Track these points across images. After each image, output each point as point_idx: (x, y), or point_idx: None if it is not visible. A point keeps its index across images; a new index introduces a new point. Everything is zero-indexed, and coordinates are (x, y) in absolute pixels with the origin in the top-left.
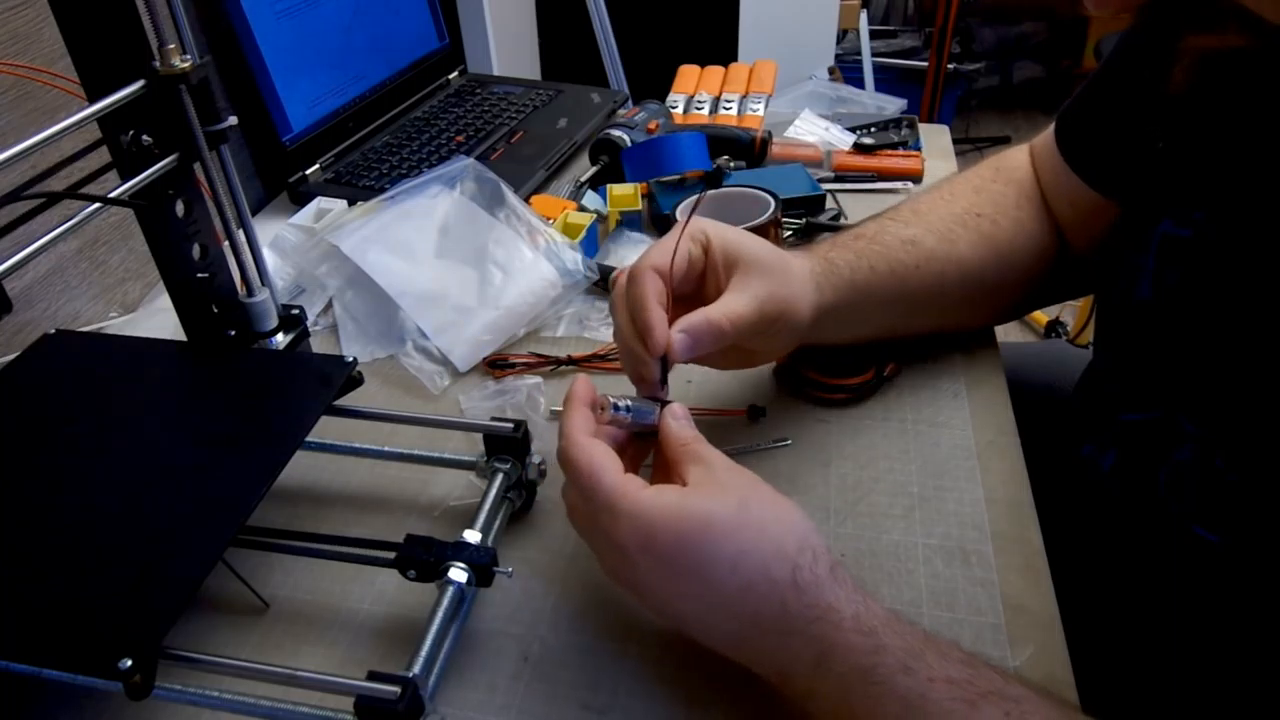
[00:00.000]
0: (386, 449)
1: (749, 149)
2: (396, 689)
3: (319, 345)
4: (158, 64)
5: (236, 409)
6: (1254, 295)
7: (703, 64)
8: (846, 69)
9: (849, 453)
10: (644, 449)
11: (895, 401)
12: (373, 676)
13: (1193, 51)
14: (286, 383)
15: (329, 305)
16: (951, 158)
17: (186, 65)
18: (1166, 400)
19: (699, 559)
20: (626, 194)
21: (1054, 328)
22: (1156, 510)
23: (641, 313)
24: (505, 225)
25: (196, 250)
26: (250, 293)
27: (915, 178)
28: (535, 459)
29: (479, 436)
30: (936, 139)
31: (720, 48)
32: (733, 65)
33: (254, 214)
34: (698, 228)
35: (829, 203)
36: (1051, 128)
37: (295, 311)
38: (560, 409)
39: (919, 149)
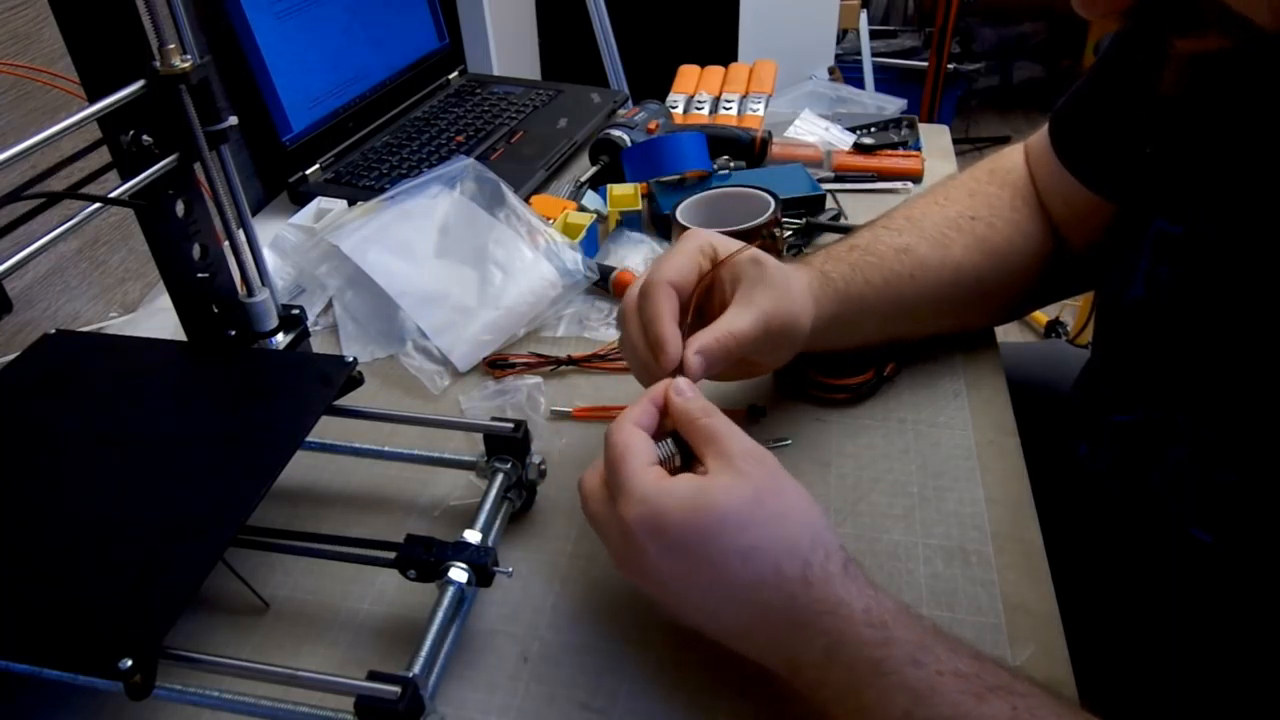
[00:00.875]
0: (386, 449)
1: (749, 149)
2: (396, 689)
3: (319, 345)
4: (158, 64)
5: (236, 409)
6: (1247, 292)
7: (703, 64)
8: (846, 69)
9: (849, 453)
10: None
11: (895, 401)
12: (373, 676)
13: (1183, 57)
14: (286, 383)
15: (329, 305)
16: (951, 158)
17: (186, 65)
18: (1162, 399)
19: (711, 551)
20: (626, 194)
21: (1054, 328)
22: (1154, 510)
23: (655, 328)
24: (505, 225)
25: (196, 250)
26: (250, 293)
27: (915, 178)
28: (535, 459)
29: (479, 436)
30: (936, 139)
31: (720, 48)
32: (733, 65)
33: (254, 214)
34: (705, 241)
35: (829, 203)
36: (1046, 127)
37: (295, 311)
38: (560, 409)
39: (919, 149)
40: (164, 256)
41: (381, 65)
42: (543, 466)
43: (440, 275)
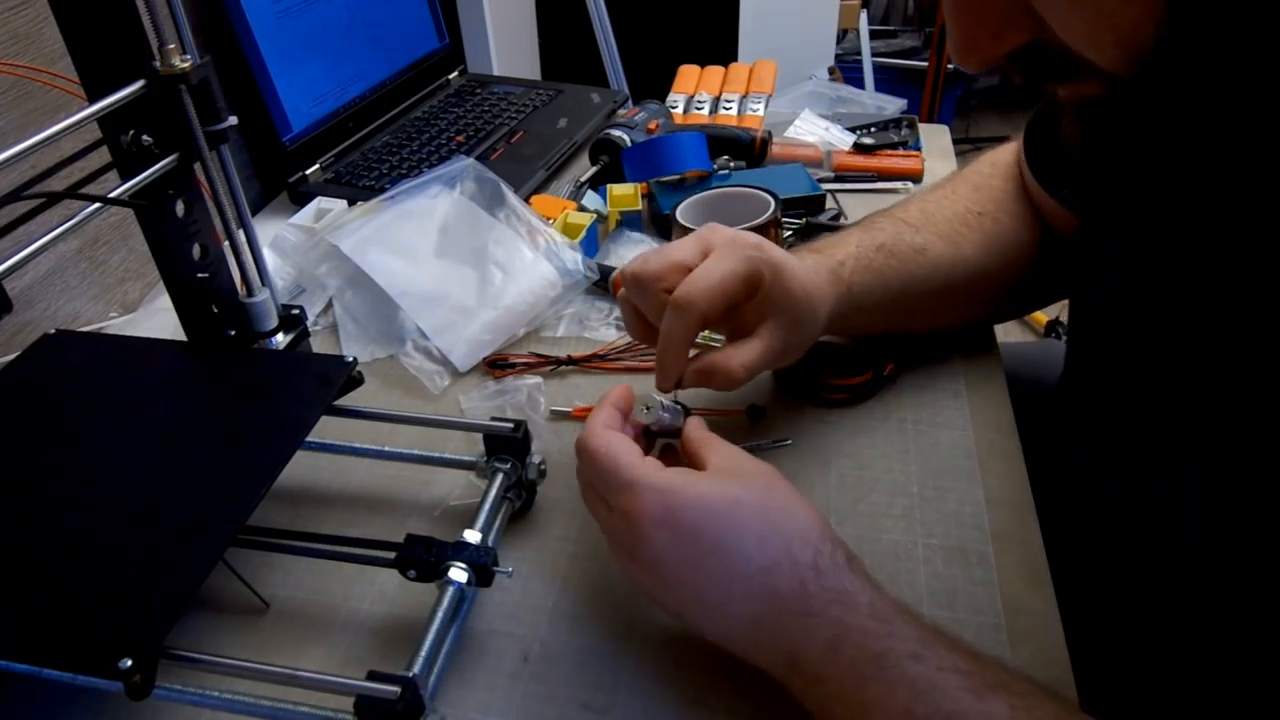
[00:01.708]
0: (386, 449)
1: (749, 149)
2: (396, 689)
3: (319, 345)
4: (158, 64)
5: (236, 409)
6: (1189, 302)
7: (703, 64)
8: (846, 69)
9: (849, 453)
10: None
11: (895, 401)
12: (373, 676)
13: (1071, 106)
14: (286, 383)
15: (329, 305)
16: (951, 158)
17: (186, 65)
18: (1145, 400)
19: (726, 536)
20: (626, 194)
21: (1054, 328)
22: (1152, 511)
23: (670, 354)
24: (505, 225)
25: (196, 250)
26: (250, 293)
27: (915, 178)
28: (535, 459)
29: (479, 436)
30: (936, 139)
31: (720, 48)
32: (733, 65)
33: (254, 214)
34: (757, 270)
35: (829, 203)
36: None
37: (295, 311)
38: (560, 409)
39: (919, 149)
40: (164, 256)
41: (381, 65)
42: (543, 466)
43: (440, 275)
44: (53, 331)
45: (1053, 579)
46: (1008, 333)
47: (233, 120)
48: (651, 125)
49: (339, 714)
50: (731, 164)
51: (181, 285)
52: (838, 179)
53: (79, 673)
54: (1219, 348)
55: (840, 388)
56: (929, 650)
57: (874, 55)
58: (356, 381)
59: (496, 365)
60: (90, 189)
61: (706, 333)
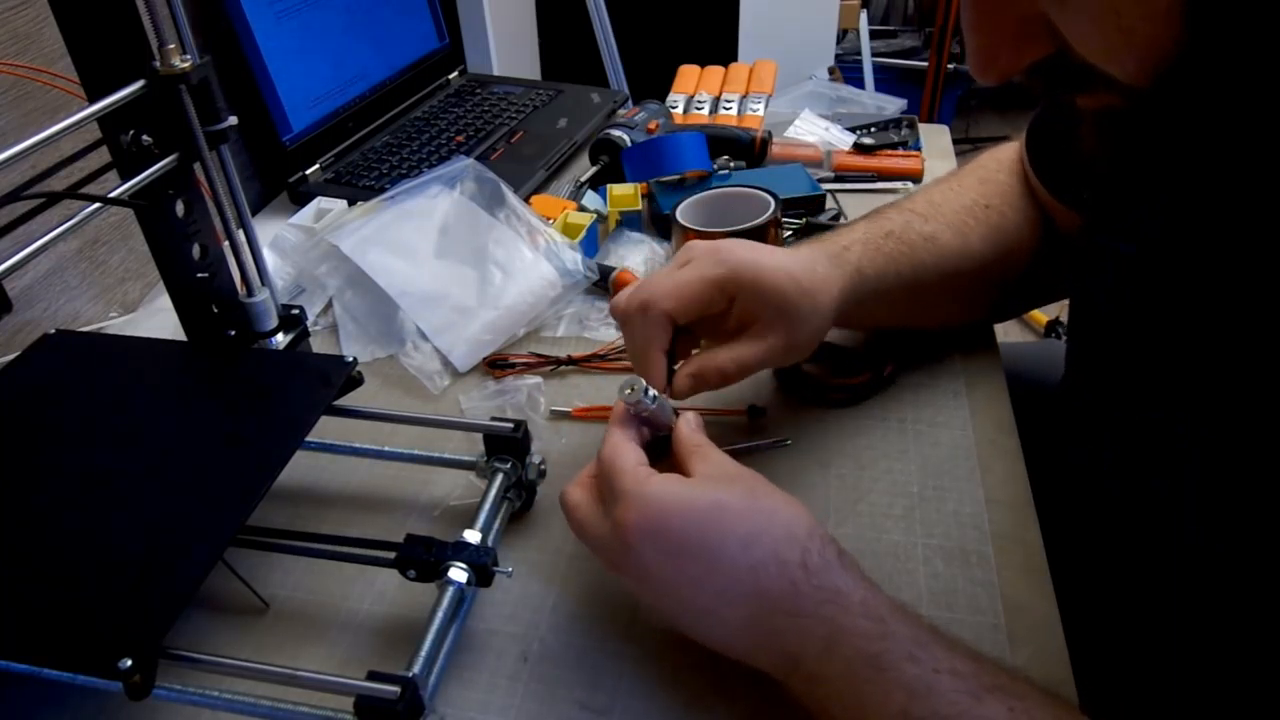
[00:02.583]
0: (386, 449)
1: (749, 149)
2: (396, 689)
3: (319, 345)
4: (158, 64)
5: (236, 409)
6: (1194, 306)
7: (703, 64)
8: (846, 69)
9: (849, 453)
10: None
11: (895, 401)
12: (373, 676)
13: (1090, 115)
14: (286, 383)
15: (329, 305)
16: (951, 158)
17: (186, 65)
18: (1144, 400)
19: (711, 539)
20: (626, 194)
21: (1054, 328)
22: (1152, 511)
23: (643, 359)
24: (505, 225)
25: (196, 250)
26: (250, 293)
27: (915, 178)
28: (535, 459)
29: (479, 436)
30: (936, 139)
31: (720, 48)
32: (733, 65)
33: (254, 214)
34: (731, 272)
35: (829, 203)
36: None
37: (295, 311)
38: (560, 409)
39: (919, 149)
40: (164, 256)
41: (381, 65)
42: (543, 466)
43: (440, 275)
44: (53, 331)
45: (1053, 579)
46: (1008, 333)
47: (233, 120)
48: (651, 125)
49: (339, 714)
50: (731, 164)
51: (181, 285)
52: (838, 179)
53: (79, 673)
54: (1219, 349)
55: (840, 388)
56: (925, 651)
57: (874, 55)
58: (356, 381)
59: (496, 365)
60: (90, 189)
61: (704, 342)
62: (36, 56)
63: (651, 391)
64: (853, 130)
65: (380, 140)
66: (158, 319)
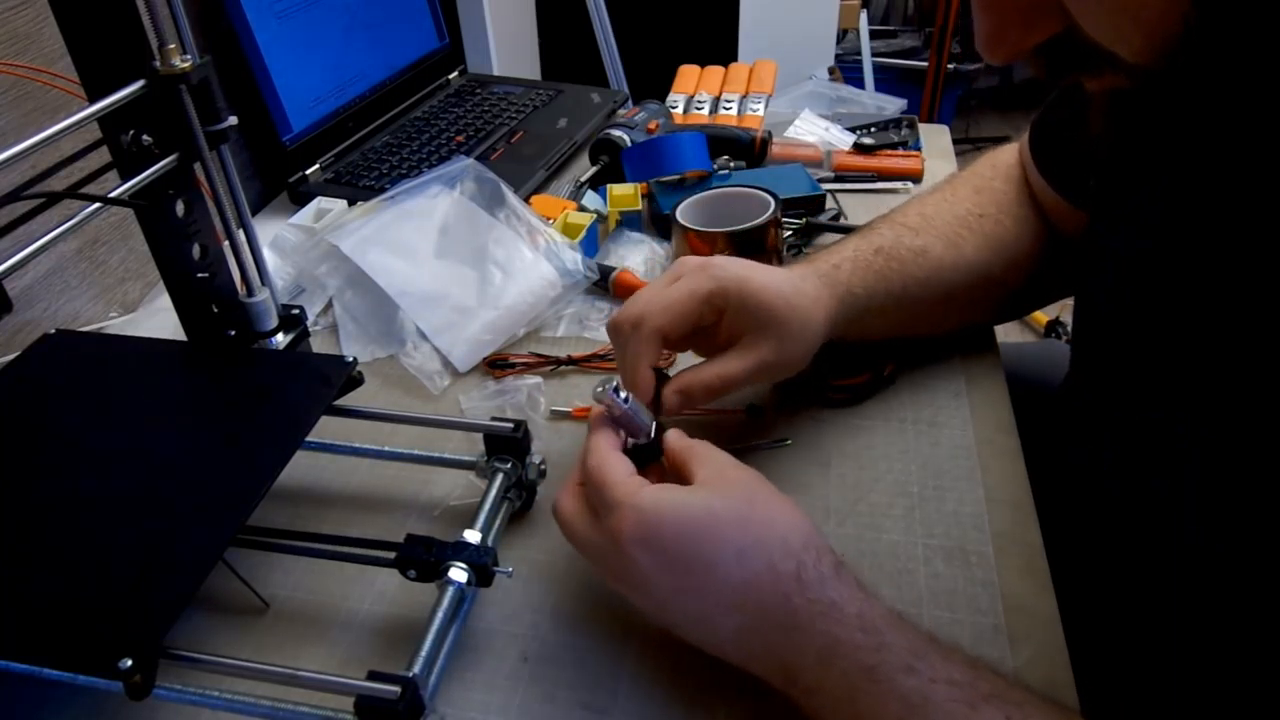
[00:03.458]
0: (386, 449)
1: (749, 149)
2: (396, 689)
3: (319, 345)
4: (158, 64)
5: (236, 409)
6: (1190, 309)
7: (703, 64)
8: (846, 69)
9: (849, 453)
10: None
11: (895, 401)
12: (373, 676)
13: (1099, 98)
14: (286, 383)
15: (329, 305)
16: (951, 158)
17: (186, 65)
18: (1147, 400)
19: (705, 551)
20: (626, 194)
21: (1054, 328)
22: (1152, 511)
23: (630, 373)
24: (505, 225)
25: (196, 250)
26: (250, 293)
27: (915, 178)
28: (535, 459)
29: (479, 436)
30: (936, 139)
31: (720, 48)
32: (733, 65)
33: (254, 214)
34: (719, 289)
35: (829, 203)
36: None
37: (295, 311)
38: (560, 409)
39: (919, 149)
40: (164, 256)
41: (381, 65)
42: (543, 466)
43: (440, 275)
44: (53, 331)
45: (1053, 579)
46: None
47: (233, 120)
48: (651, 125)
49: (339, 714)
50: (731, 164)
51: (181, 285)
52: (838, 179)
53: (79, 673)
54: (1218, 346)
55: (840, 388)
56: (922, 662)
57: (874, 55)
58: (356, 381)
59: (496, 365)
60: (90, 189)
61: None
62: (36, 56)
63: (624, 391)
64: (853, 130)
65: (380, 140)
66: (158, 319)
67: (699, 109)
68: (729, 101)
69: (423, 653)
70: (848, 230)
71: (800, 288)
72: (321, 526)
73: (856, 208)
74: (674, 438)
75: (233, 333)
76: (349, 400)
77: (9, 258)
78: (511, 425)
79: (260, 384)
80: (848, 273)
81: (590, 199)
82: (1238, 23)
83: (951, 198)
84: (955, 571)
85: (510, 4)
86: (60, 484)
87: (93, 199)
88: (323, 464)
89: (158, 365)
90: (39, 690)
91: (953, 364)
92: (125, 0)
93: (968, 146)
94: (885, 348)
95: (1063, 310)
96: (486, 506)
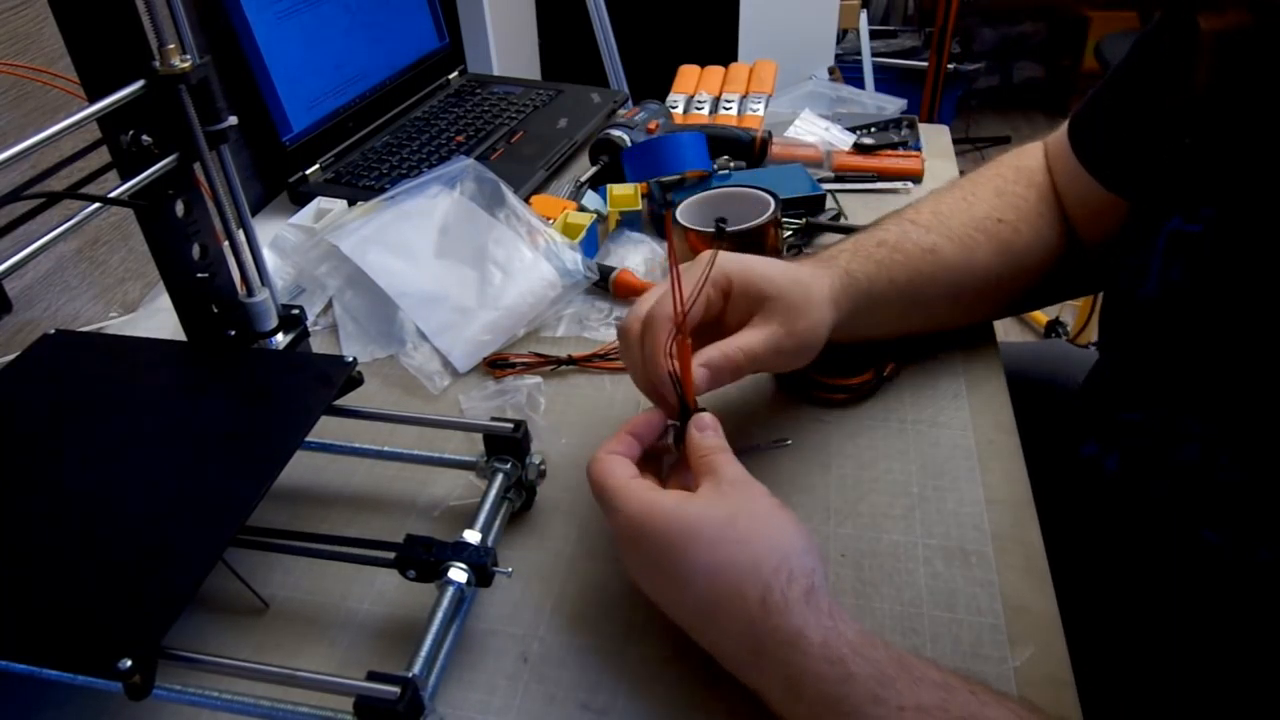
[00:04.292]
0: (386, 449)
1: (749, 149)
2: (396, 689)
3: (319, 345)
4: (158, 64)
5: (236, 409)
6: (1260, 290)
7: (703, 64)
8: (846, 69)
9: (849, 453)
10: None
11: (895, 401)
12: (373, 676)
13: (1211, 42)
14: (286, 383)
15: (329, 305)
16: (951, 158)
17: (186, 65)
18: (1170, 398)
19: (680, 566)
20: (626, 194)
21: (1054, 328)
22: (1158, 510)
23: (655, 367)
24: (505, 225)
25: (196, 250)
26: (250, 293)
27: (915, 178)
28: (535, 459)
29: (479, 436)
30: (936, 139)
31: (720, 48)
32: (733, 65)
33: (254, 214)
34: (721, 272)
35: (829, 203)
36: (1065, 127)
37: (295, 311)
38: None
39: (919, 149)
40: (164, 256)
41: (381, 65)
42: (543, 466)
43: (440, 275)
44: (53, 331)
45: (1053, 579)
46: (1008, 333)
47: (233, 120)
48: (651, 125)
49: (339, 714)
50: (731, 164)
51: (181, 285)
52: (838, 179)
53: (79, 673)
54: (1268, 345)
55: (840, 388)
56: (888, 690)
57: (874, 55)
58: (356, 381)
59: (496, 365)
60: (90, 189)
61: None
62: (36, 56)
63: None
64: (853, 130)
65: (380, 140)
66: (158, 319)
67: (699, 109)
68: (729, 101)
69: (422, 653)
70: (848, 230)
71: (799, 270)
72: (321, 526)
73: (856, 208)
74: (695, 436)
75: (233, 333)
76: (349, 400)
77: (9, 258)
78: (511, 425)
79: (260, 384)
80: (846, 258)
81: (590, 199)
82: None
83: (971, 199)
84: (955, 571)
85: (510, 4)
86: (60, 484)
87: (93, 199)
88: (323, 464)
89: (158, 365)
90: (39, 690)
91: (953, 364)
92: (125, 0)
93: (968, 146)
94: (885, 348)
95: (1063, 310)
96: (486, 507)
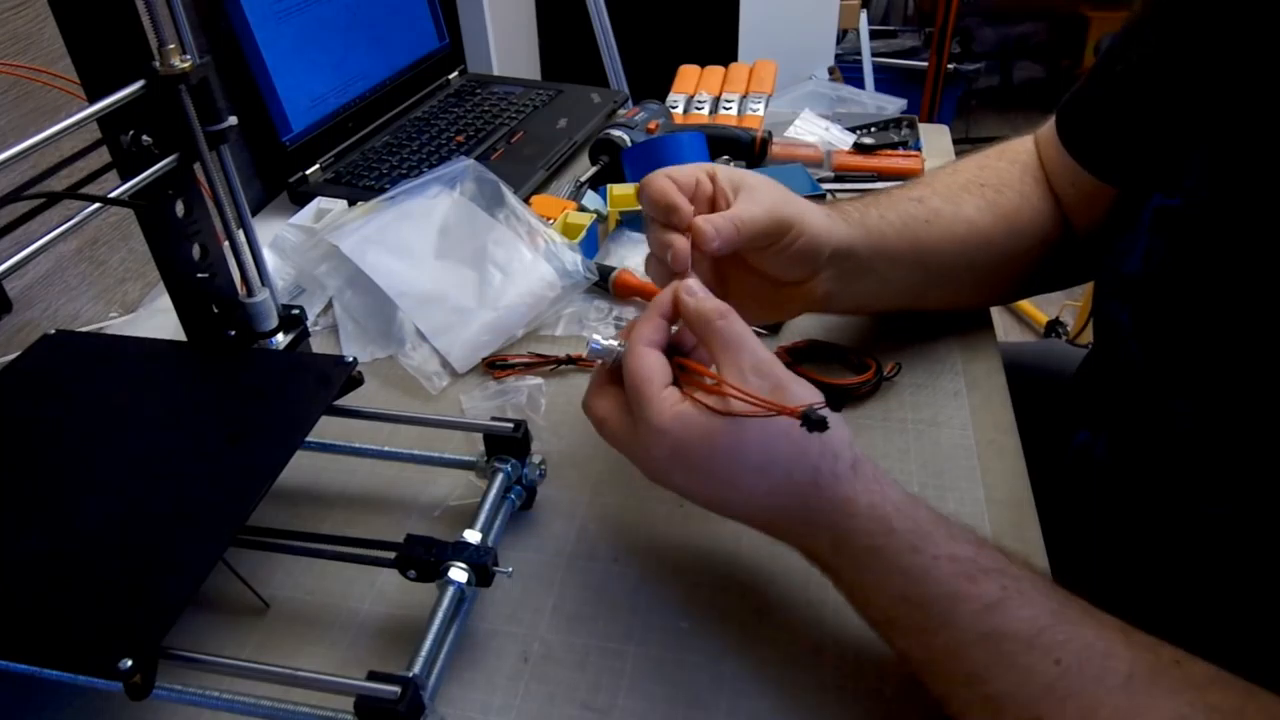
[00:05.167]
0: (386, 449)
1: (749, 149)
2: (396, 689)
3: (319, 345)
4: (158, 64)
5: (236, 409)
6: (1241, 260)
7: (703, 64)
8: (846, 69)
9: None
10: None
11: (895, 401)
12: (373, 676)
13: None
14: (286, 383)
15: (329, 305)
16: (951, 158)
17: (186, 65)
18: (1155, 377)
19: (732, 469)
20: (626, 194)
21: (1054, 328)
22: (1155, 489)
23: (666, 199)
24: (505, 226)
25: (196, 250)
26: (250, 293)
27: (915, 178)
28: (535, 459)
29: (479, 436)
30: (936, 139)
31: (720, 48)
32: (733, 65)
33: (254, 214)
34: (703, 168)
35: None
36: (1054, 118)
37: (295, 311)
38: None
39: (919, 149)
40: (164, 256)
41: (381, 65)
42: (543, 466)
43: (439, 276)
44: (53, 331)
45: (1053, 579)
46: (1007, 332)
47: (233, 120)
48: (651, 125)
49: (339, 714)
50: (731, 164)
51: (181, 285)
52: (838, 179)
53: (79, 673)
54: (1252, 314)
55: (840, 388)
56: (925, 541)
57: (874, 55)
58: (356, 381)
59: (496, 365)
60: (90, 189)
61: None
62: (36, 56)
63: (602, 341)
64: (853, 130)
65: (380, 140)
66: (158, 319)
67: (699, 109)
68: (729, 101)
69: (423, 653)
70: None
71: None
72: (321, 526)
73: None
74: (691, 305)
75: (233, 333)
76: (349, 400)
77: (9, 258)
78: (511, 425)
79: (260, 384)
80: (829, 204)
81: (590, 199)
82: None
83: (953, 169)
84: None
85: (510, 4)
86: (60, 484)
87: (93, 199)
88: (323, 464)
89: (158, 365)
90: (39, 690)
91: (953, 364)
92: (125, 0)
93: (968, 146)
94: (886, 348)
95: (1063, 310)
96: (486, 506)
